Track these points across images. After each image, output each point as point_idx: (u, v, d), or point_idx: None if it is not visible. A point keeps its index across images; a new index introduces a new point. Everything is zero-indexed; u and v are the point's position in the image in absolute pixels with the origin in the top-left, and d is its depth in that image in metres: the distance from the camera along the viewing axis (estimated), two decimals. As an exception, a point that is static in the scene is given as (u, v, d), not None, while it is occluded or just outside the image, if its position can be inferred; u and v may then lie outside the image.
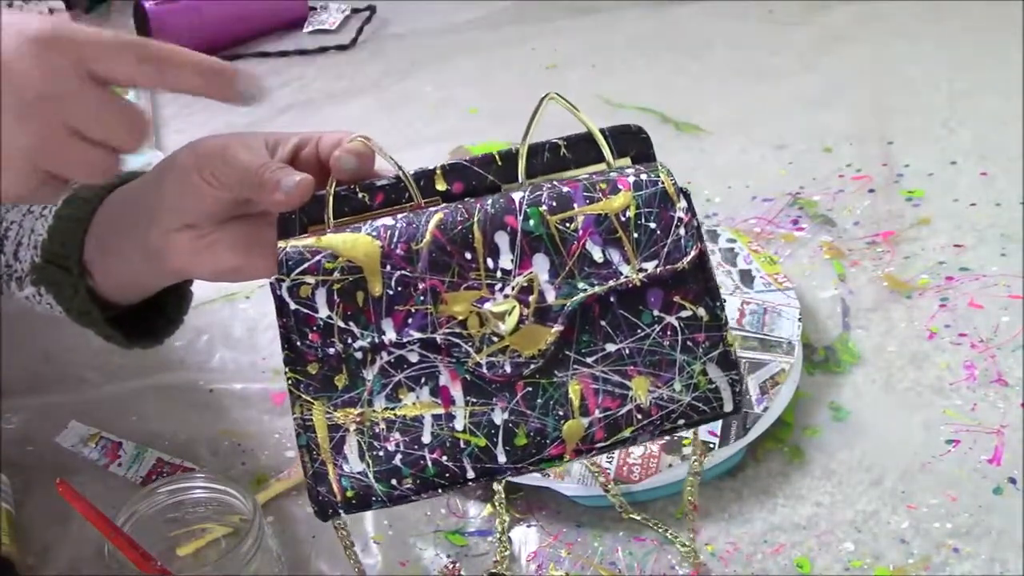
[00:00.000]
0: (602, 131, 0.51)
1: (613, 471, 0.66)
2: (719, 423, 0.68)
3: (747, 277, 0.83)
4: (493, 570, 0.63)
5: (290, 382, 0.47)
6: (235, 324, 0.85)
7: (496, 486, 0.66)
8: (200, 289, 0.89)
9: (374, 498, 0.46)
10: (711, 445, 0.67)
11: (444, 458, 0.46)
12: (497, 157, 0.50)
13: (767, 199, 0.99)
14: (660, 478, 0.66)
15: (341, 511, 0.47)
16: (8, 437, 0.74)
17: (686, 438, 0.68)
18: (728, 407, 0.48)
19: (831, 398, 0.75)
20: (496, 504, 0.65)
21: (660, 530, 0.65)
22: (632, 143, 0.52)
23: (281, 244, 0.48)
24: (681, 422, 0.48)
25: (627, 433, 0.47)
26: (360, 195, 0.50)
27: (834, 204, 0.98)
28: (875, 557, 0.63)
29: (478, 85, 1.26)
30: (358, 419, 0.46)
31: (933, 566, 0.62)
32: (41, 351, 0.82)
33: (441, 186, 0.50)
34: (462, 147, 1.10)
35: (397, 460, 0.46)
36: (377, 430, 0.46)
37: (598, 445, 0.47)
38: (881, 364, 0.78)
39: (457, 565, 0.64)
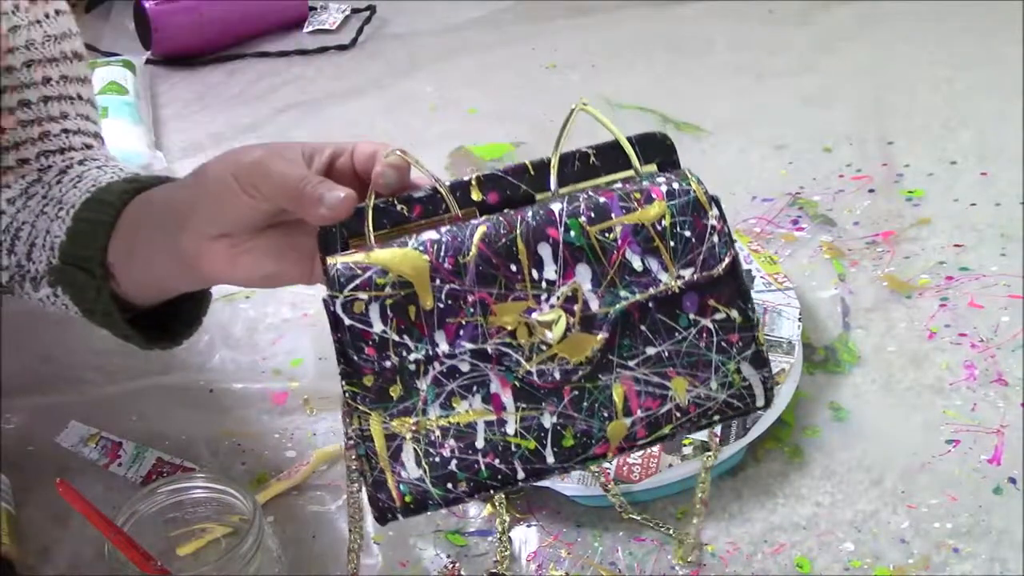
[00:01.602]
0: (628, 139, 0.52)
1: (613, 471, 0.66)
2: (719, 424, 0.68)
3: (747, 277, 0.82)
4: (493, 570, 0.63)
5: (347, 395, 0.48)
6: (235, 324, 0.85)
7: (496, 498, 0.66)
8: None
9: (430, 502, 0.48)
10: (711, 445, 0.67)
11: (496, 461, 0.48)
12: (530, 166, 0.51)
13: (767, 199, 0.99)
14: (660, 478, 0.66)
15: (400, 515, 0.48)
16: (8, 437, 0.74)
17: (687, 438, 0.68)
18: (760, 403, 0.50)
19: (831, 398, 0.75)
20: (496, 504, 0.65)
21: (661, 530, 0.65)
22: (658, 151, 0.53)
23: (331, 260, 0.48)
24: (716, 418, 0.50)
25: (667, 431, 0.49)
26: (398, 207, 0.50)
27: (834, 204, 0.98)
28: (875, 557, 0.63)
29: (478, 85, 1.26)
30: (414, 428, 0.48)
31: (933, 566, 0.62)
32: (41, 351, 0.82)
33: (477, 196, 0.51)
34: (463, 148, 1.10)
35: (452, 465, 0.48)
36: (432, 437, 0.48)
37: (640, 443, 0.49)
38: (881, 364, 0.78)
39: (457, 565, 0.64)
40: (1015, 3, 1.31)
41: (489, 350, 0.47)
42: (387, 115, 1.20)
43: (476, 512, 0.67)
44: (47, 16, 0.66)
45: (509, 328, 0.47)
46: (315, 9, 1.47)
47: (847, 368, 0.78)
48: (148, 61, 1.33)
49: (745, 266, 0.84)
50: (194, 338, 0.83)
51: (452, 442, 0.48)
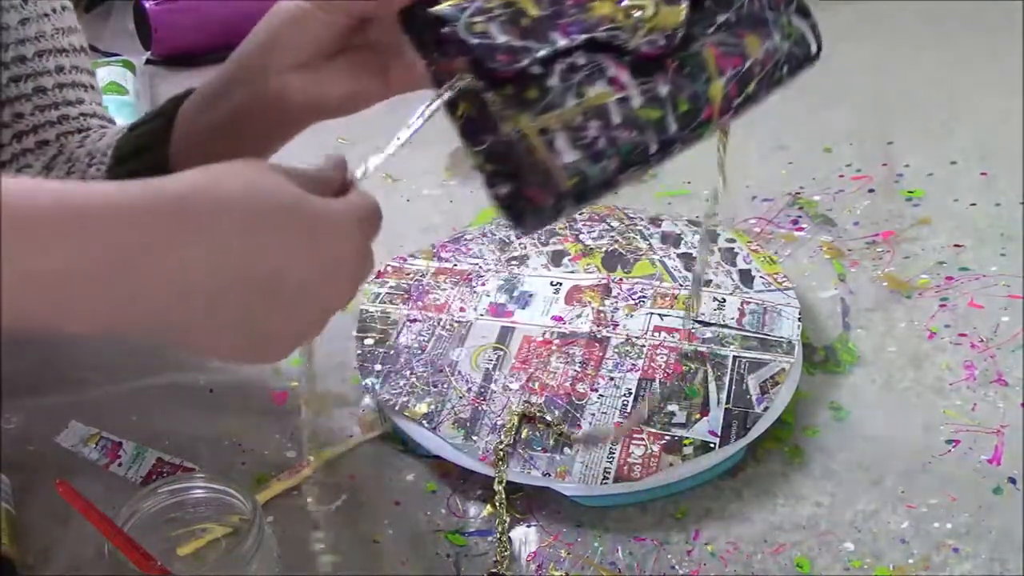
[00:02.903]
0: None
1: (614, 470, 0.66)
2: (720, 423, 0.69)
3: (747, 277, 0.83)
4: (493, 570, 0.63)
5: (496, 105, 0.51)
6: (235, 324, 0.85)
7: (496, 486, 0.66)
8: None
9: (590, 182, 0.52)
10: (712, 445, 0.67)
11: (634, 134, 0.53)
12: None
13: (767, 199, 0.99)
14: (660, 477, 0.66)
15: (566, 201, 0.52)
16: (8, 437, 0.74)
17: (687, 438, 0.68)
18: (813, 49, 0.59)
19: (831, 398, 0.75)
20: (496, 504, 0.66)
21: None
22: None
23: (433, 9, 0.52)
24: (785, 69, 0.58)
25: (751, 88, 0.57)
26: None
27: (834, 204, 0.98)
28: (875, 557, 0.63)
29: (478, 85, 1.26)
30: (559, 119, 0.51)
31: (933, 566, 0.62)
32: (41, 351, 0.82)
33: None
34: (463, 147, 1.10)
35: (600, 143, 0.52)
36: (576, 123, 0.52)
37: (734, 103, 0.56)
38: (881, 364, 0.78)
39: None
40: (1015, 3, 1.31)
41: (599, 36, 0.52)
42: (387, 114, 1.20)
43: (476, 512, 0.67)
44: (54, 11, 0.68)
45: (608, 15, 0.53)
46: (315, 9, 1.47)
47: (847, 368, 0.78)
48: (148, 61, 1.33)
49: (745, 266, 0.84)
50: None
51: (594, 123, 0.52)
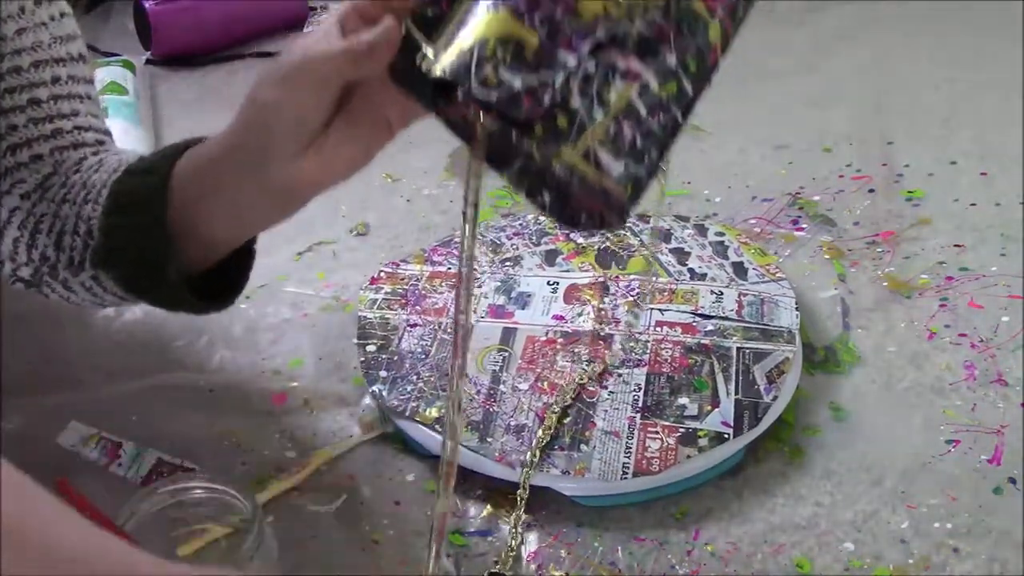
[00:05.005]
0: None
1: (632, 465, 0.66)
2: (732, 413, 0.69)
3: (740, 269, 0.83)
4: (494, 570, 0.63)
5: (537, 150, 0.50)
6: (235, 324, 0.85)
7: (524, 479, 0.66)
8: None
9: (639, 180, 0.51)
10: (726, 435, 0.68)
11: (662, 116, 0.52)
12: None
13: (767, 199, 0.99)
14: (679, 471, 0.66)
15: (628, 206, 0.51)
16: (8, 437, 0.73)
17: (701, 430, 0.68)
18: None
19: (831, 398, 0.75)
20: (519, 498, 0.65)
21: None
22: None
23: (436, 70, 0.51)
24: None
25: (740, 11, 0.56)
26: (430, 13, 0.53)
27: (834, 204, 0.98)
28: (875, 557, 0.63)
29: (478, 85, 1.26)
30: (596, 136, 0.50)
31: (933, 566, 0.62)
32: (41, 351, 0.82)
33: None
34: (463, 148, 1.10)
35: (639, 141, 0.51)
36: (612, 132, 0.51)
37: (731, 34, 0.55)
38: (881, 364, 0.78)
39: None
40: (1015, 3, 1.31)
41: (600, 36, 0.51)
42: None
43: (476, 512, 0.68)
44: (52, 19, 0.67)
45: (600, 12, 0.51)
46: (315, 9, 1.47)
47: (847, 368, 0.78)
48: (148, 61, 1.33)
49: (736, 258, 0.84)
50: (194, 338, 0.83)
51: (626, 124, 0.51)
